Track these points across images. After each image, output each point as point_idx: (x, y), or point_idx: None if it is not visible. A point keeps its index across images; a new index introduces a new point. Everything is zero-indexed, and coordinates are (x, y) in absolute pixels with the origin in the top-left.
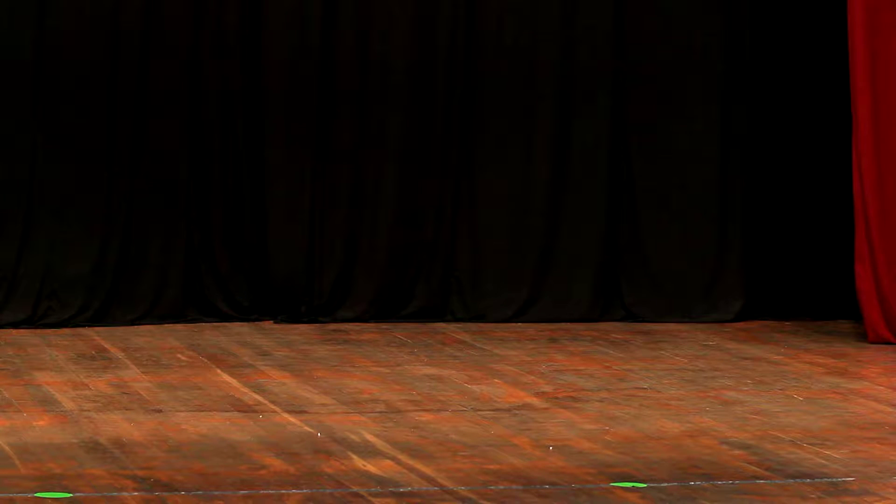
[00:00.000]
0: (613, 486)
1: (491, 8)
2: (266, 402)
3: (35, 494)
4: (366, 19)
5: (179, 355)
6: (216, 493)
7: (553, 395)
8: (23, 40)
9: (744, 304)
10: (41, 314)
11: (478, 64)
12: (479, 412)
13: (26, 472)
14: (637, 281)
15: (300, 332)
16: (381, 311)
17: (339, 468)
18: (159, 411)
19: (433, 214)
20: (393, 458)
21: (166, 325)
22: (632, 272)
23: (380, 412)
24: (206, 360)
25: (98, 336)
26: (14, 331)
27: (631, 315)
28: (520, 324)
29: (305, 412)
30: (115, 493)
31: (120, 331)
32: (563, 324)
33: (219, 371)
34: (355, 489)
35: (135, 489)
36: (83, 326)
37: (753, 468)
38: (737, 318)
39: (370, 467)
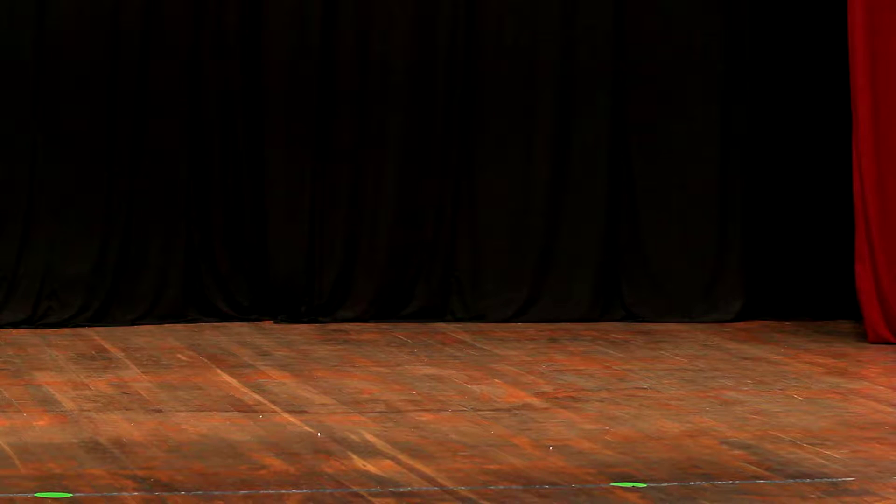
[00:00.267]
0: (613, 486)
1: (491, 8)
2: (266, 402)
3: (35, 494)
4: (366, 19)
5: (179, 355)
6: (216, 493)
7: (553, 395)
8: (23, 40)
9: (744, 304)
10: (41, 314)
11: (478, 64)
12: (479, 412)
13: (26, 472)
14: (637, 281)
15: (300, 332)
16: (381, 311)
17: (339, 468)
18: (159, 411)
19: (433, 214)
20: (393, 458)
21: (166, 325)
22: (632, 272)
23: (380, 412)
24: (206, 360)
25: (98, 336)
26: (14, 331)
27: (631, 315)
28: (520, 324)
29: (305, 412)
30: (115, 493)
31: (120, 331)
32: (563, 324)
33: (219, 371)
34: (355, 489)
35: (135, 489)
36: (83, 326)
37: (753, 468)
38: (737, 318)
39: (370, 467)
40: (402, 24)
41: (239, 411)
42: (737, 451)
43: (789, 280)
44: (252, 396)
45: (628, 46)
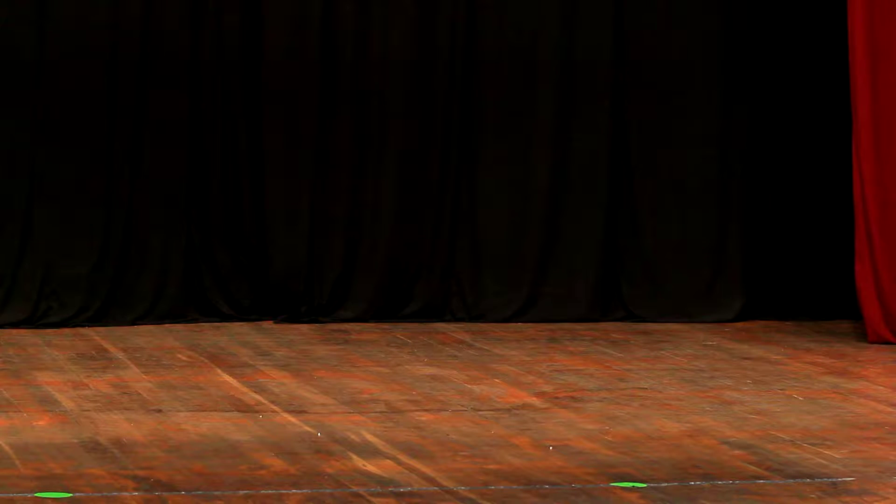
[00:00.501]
0: (613, 486)
1: (491, 8)
2: (266, 402)
3: (35, 494)
4: (366, 19)
5: (179, 355)
6: (216, 493)
7: (553, 395)
8: (23, 40)
9: (744, 304)
10: (41, 314)
11: (478, 64)
12: (479, 412)
13: (26, 472)
14: (637, 281)
15: (300, 332)
16: (381, 311)
17: (339, 468)
18: (159, 411)
19: (433, 214)
20: (393, 458)
21: (166, 325)
22: (632, 272)
23: (380, 412)
24: (206, 360)
25: (98, 336)
26: (14, 331)
27: (631, 315)
28: (520, 324)
29: (305, 412)
30: (115, 493)
31: (120, 331)
32: (563, 324)
33: (219, 371)
34: (355, 489)
35: (135, 489)
36: (83, 326)
37: (753, 468)
38: (737, 318)
39: (370, 467)
40: (402, 24)
41: (239, 411)
42: (737, 451)
43: (789, 280)
44: (252, 396)
45: (628, 46)
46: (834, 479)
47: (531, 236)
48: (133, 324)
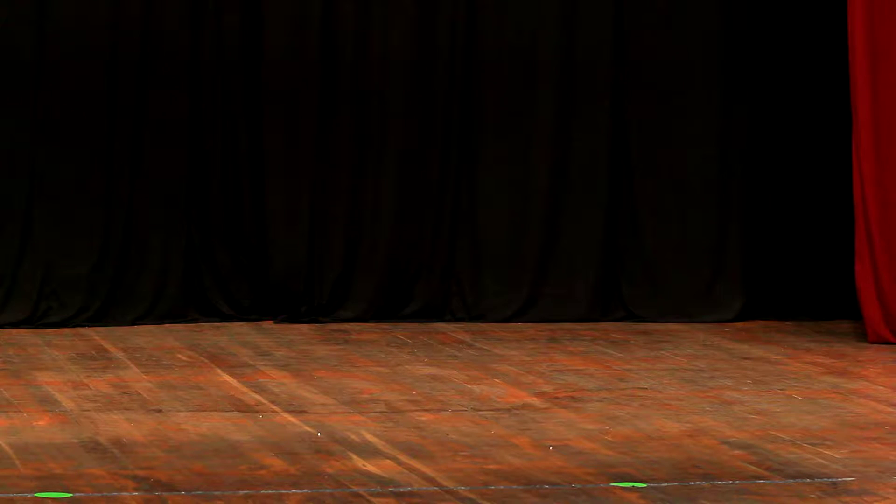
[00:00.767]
0: (613, 486)
1: (491, 8)
2: (266, 402)
3: (35, 494)
4: (366, 19)
5: (179, 355)
6: (216, 493)
7: (553, 395)
8: (23, 40)
9: (744, 304)
10: (41, 314)
11: (478, 64)
12: (479, 412)
13: (26, 472)
14: (637, 281)
15: (300, 332)
16: (381, 311)
17: (339, 468)
18: (159, 411)
19: (433, 214)
20: (393, 458)
21: (166, 325)
22: (632, 272)
23: (380, 412)
24: (206, 360)
25: (98, 336)
26: (14, 331)
27: (631, 315)
28: (520, 324)
29: (305, 412)
30: (115, 493)
31: (120, 331)
32: (563, 324)
33: (219, 371)
34: (355, 489)
35: (135, 489)
36: (83, 326)
37: (753, 468)
38: (737, 318)
39: (370, 467)
40: (402, 24)
41: (239, 411)
42: (737, 451)
43: (789, 280)
44: (252, 396)
45: (628, 46)
46: (834, 479)
47: (531, 236)
48: (133, 324)
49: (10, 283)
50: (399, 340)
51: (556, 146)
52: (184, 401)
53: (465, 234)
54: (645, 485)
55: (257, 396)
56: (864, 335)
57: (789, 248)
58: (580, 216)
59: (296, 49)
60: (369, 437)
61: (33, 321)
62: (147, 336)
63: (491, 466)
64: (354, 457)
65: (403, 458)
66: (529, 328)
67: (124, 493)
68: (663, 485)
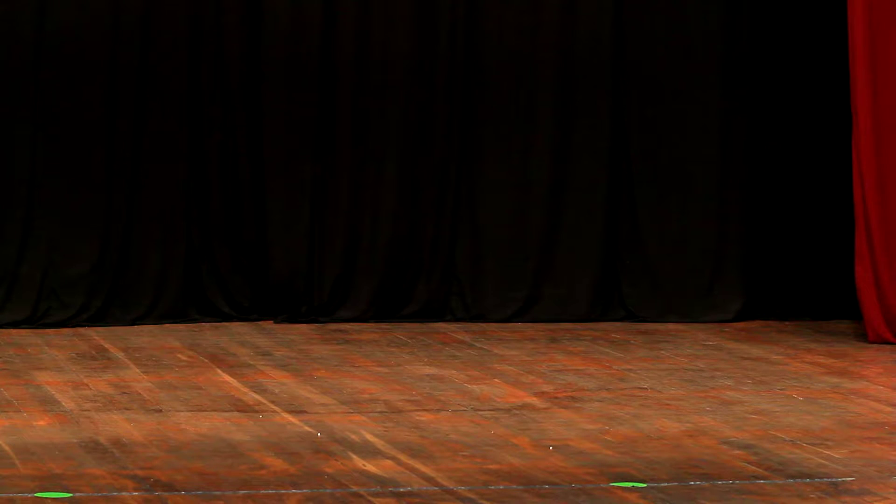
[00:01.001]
0: (613, 486)
1: (491, 8)
2: (266, 402)
3: (35, 494)
4: (366, 19)
5: (179, 355)
6: (216, 493)
7: (553, 395)
8: (23, 40)
9: (744, 304)
10: (41, 314)
11: (478, 64)
12: (479, 412)
13: (26, 472)
14: (637, 281)
15: (300, 332)
16: (381, 311)
17: (339, 468)
18: (159, 411)
19: (433, 214)
20: (393, 458)
21: (166, 325)
22: (632, 272)
23: (380, 412)
24: (206, 360)
25: (98, 336)
26: (14, 331)
27: (631, 315)
28: (520, 324)
29: (305, 412)
30: (115, 493)
31: (120, 331)
32: (563, 324)
33: (219, 371)
34: (355, 489)
35: (135, 489)
36: (83, 326)
37: (753, 468)
38: (737, 318)
39: (370, 467)
40: (402, 24)
41: (239, 411)
42: (737, 451)
43: (789, 280)
44: (252, 396)
45: (628, 46)
46: (834, 479)
47: (531, 236)
48: (133, 324)
49: (10, 282)
50: (399, 340)
51: (556, 146)
52: (184, 401)
53: (465, 235)
54: (645, 485)
55: (257, 396)
56: (864, 335)
57: (789, 249)
58: (580, 216)
59: (296, 49)
60: (369, 437)
61: (33, 321)
62: (147, 336)
63: (491, 466)
64: (354, 457)
65: (403, 458)
66: (529, 328)
67: (124, 493)
68: (663, 485)
